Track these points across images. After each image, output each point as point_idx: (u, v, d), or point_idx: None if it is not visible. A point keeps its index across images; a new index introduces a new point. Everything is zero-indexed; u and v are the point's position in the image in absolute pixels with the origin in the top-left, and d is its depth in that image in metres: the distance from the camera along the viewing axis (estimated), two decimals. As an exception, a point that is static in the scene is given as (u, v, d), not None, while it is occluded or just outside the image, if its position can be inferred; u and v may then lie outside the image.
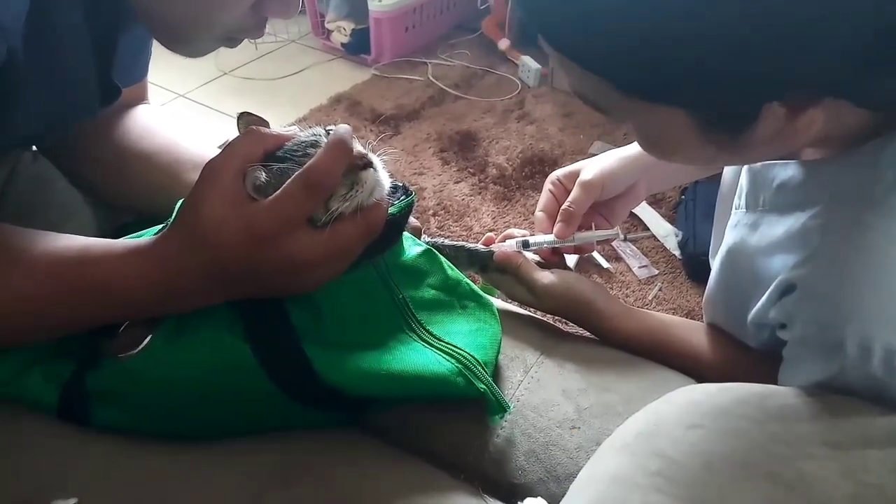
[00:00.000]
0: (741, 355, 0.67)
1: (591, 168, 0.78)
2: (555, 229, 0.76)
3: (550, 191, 0.80)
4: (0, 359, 0.59)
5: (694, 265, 1.48)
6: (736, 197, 0.63)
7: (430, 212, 1.65)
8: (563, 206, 0.76)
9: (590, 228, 0.78)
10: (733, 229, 0.63)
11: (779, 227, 0.56)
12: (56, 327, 0.56)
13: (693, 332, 0.72)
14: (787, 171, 0.56)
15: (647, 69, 0.44)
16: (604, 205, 0.80)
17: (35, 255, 0.54)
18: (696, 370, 0.67)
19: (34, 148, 0.77)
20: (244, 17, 0.58)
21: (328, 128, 0.55)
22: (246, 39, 0.64)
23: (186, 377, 0.56)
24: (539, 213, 0.80)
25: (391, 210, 0.57)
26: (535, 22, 0.47)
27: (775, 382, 0.55)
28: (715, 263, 0.67)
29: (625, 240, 1.58)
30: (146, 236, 0.59)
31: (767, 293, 0.55)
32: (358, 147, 0.54)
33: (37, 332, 0.56)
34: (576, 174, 0.78)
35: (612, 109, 0.51)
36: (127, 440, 0.57)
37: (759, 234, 0.59)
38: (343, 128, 0.53)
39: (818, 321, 0.51)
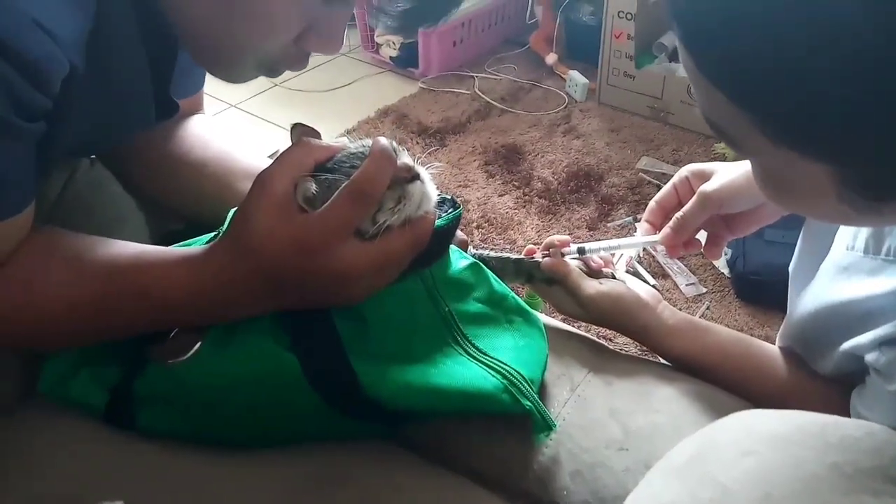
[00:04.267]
0: (808, 383, 0.65)
1: (717, 179, 0.71)
2: (661, 233, 0.73)
3: (675, 185, 0.75)
4: (49, 361, 0.60)
5: (743, 284, 1.44)
6: (849, 237, 0.59)
7: (474, 224, 1.64)
8: (676, 214, 0.72)
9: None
10: (843, 271, 0.58)
11: None
12: (107, 332, 0.57)
13: (755, 355, 0.69)
14: None
15: (814, 123, 0.38)
16: (727, 216, 0.74)
17: (90, 261, 0.55)
18: (755, 394, 0.65)
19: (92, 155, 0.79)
20: (286, 49, 0.59)
21: None
22: None
23: (231, 385, 0.56)
24: (653, 203, 0.76)
25: (438, 222, 0.57)
26: (693, 45, 0.41)
27: (841, 415, 0.52)
28: (813, 295, 0.63)
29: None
30: (197, 244, 0.60)
31: (874, 334, 0.53)
32: (405, 159, 0.54)
33: (88, 336, 0.57)
34: (706, 176, 0.72)
35: (745, 146, 0.45)
36: (170, 445, 0.58)
37: (879, 281, 0.54)
38: (382, 139, 0.53)
39: None
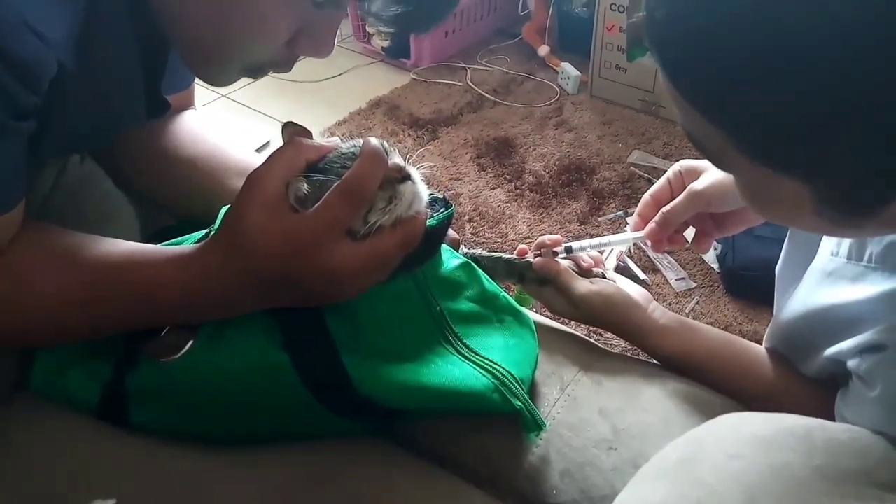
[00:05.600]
0: (794, 384, 0.65)
1: (707, 178, 0.72)
2: (646, 228, 0.74)
3: (669, 179, 0.75)
4: (40, 357, 0.60)
5: (732, 279, 1.45)
6: (834, 242, 0.59)
7: (466, 218, 1.64)
8: (662, 209, 0.73)
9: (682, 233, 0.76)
10: (827, 277, 0.59)
11: (885, 284, 0.52)
12: (97, 330, 0.57)
13: (742, 355, 0.70)
14: None
15: (785, 142, 0.39)
16: (716, 214, 0.75)
17: (81, 258, 0.55)
18: (742, 394, 0.65)
19: (82, 150, 0.78)
20: (276, 53, 0.58)
21: None
22: None
23: (224, 382, 0.56)
24: (647, 197, 0.76)
25: (430, 222, 0.57)
26: (668, 66, 0.42)
27: (826, 416, 0.53)
28: (798, 299, 0.63)
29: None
30: (188, 242, 0.60)
31: (855, 341, 0.53)
32: (396, 159, 0.54)
33: (78, 334, 0.57)
34: (699, 173, 0.73)
35: (724, 161, 0.46)
36: (163, 441, 0.58)
37: (860, 288, 0.55)
38: (373, 139, 0.53)
39: None
